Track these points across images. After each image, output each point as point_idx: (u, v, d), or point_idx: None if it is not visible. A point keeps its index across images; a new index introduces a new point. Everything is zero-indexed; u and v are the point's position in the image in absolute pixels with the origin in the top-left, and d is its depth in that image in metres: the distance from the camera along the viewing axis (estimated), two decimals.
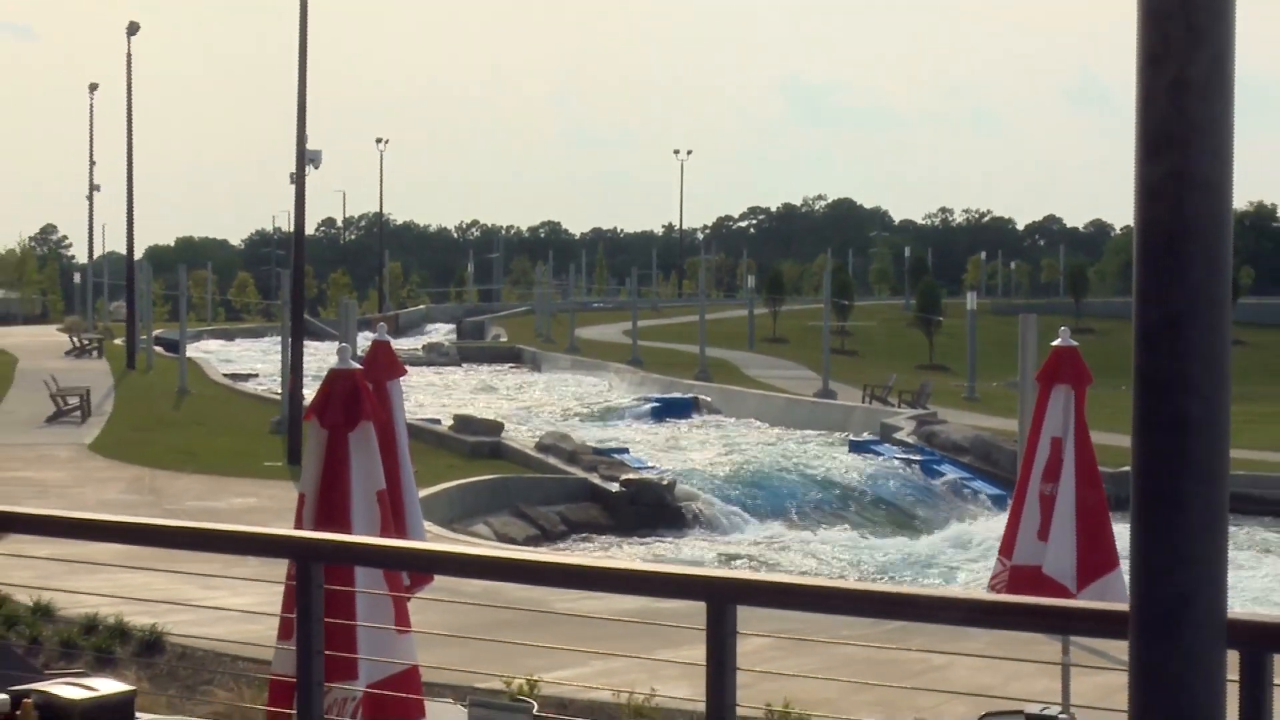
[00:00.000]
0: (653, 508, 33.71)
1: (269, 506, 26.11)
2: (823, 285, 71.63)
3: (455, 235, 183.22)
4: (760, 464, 39.82)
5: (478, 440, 37.19)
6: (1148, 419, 3.94)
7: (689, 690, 11.78)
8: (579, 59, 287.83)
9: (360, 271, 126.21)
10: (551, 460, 36.09)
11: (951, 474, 39.75)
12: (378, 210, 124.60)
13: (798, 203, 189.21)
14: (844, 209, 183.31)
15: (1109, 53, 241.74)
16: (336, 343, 12.55)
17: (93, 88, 71.57)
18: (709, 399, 54.35)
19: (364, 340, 20.09)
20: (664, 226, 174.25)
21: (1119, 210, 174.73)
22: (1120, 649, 4.21)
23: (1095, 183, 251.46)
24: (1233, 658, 4.40)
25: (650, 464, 37.96)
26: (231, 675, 14.83)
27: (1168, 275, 3.89)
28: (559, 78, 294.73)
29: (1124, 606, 4.23)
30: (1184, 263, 3.86)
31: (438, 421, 40.60)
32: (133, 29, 60.22)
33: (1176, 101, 3.86)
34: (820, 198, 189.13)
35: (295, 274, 38.03)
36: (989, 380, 56.98)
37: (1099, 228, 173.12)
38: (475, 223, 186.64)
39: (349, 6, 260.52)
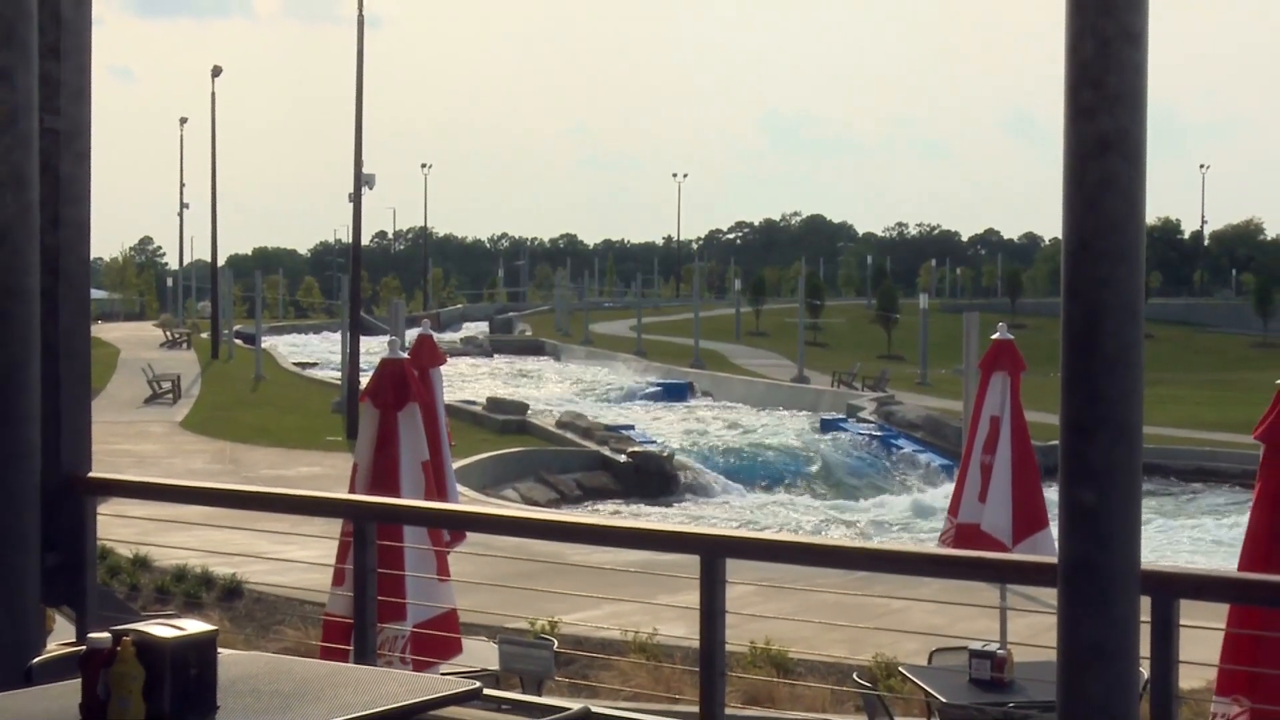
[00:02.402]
0: (654, 475, 33.70)
1: (331, 474, 26.10)
2: (798, 288, 71.44)
3: (488, 245, 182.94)
4: (745, 438, 39.80)
5: (506, 418, 37.16)
6: (1074, 399, 3.92)
7: (685, 630, 11.79)
8: (593, 97, 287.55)
9: (408, 276, 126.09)
10: (569, 435, 36.07)
11: (907, 447, 39.74)
12: (423, 224, 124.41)
13: (777, 218, 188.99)
14: (816, 223, 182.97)
15: (1038, 91, 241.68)
16: (387, 336, 12.52)
17: (182, 121, 71.43)
18: (702, 384, 54.31)
19: (410, 334, 20.04)
20: (664, 238, 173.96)
21: (1048, 224, 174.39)
22: (1050, 595, 4.20)
23: (1028, 200, 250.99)
24: (1145, 603, 4.39)
25: (652, 438, 37.94)
26: (299, 617, 14.82)
27: (1090, 278, 3.87)
28: (576, 112, 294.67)
29: (1053, 559, 4.22)
30: (1104, 268, 3.85)
31: (473, 403, 40.58)
32: (216, 71, 60.15)
33: (1096, 138, 3.84)
34: (796, 213, 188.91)
35: (353, 278, 38.04)
36: (938, 368, 56.90)
37: (1031, 239, 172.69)
38: (505, 235, 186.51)
39: (400, 53, 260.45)
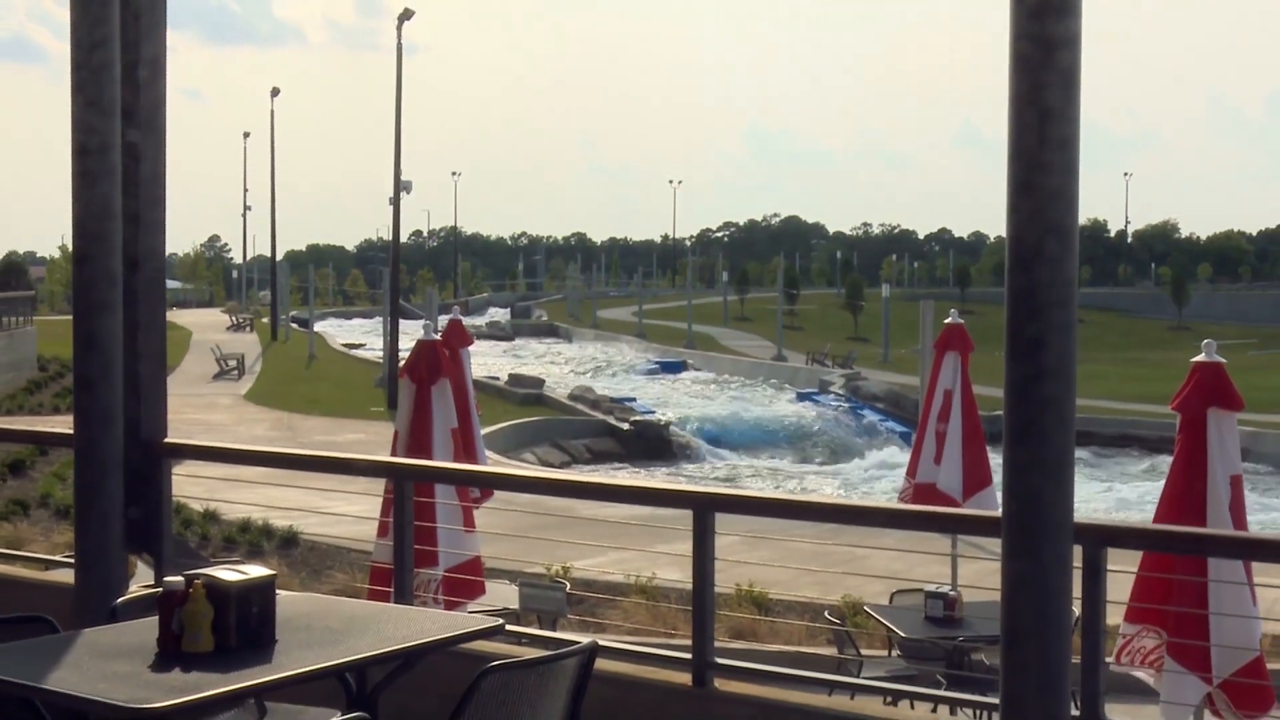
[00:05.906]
0: (653, 441, 33.70)
1: (374, 440, 26.09)
2: (777, 279, 71.32)
3: (509, 243, 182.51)
4: (730, 408, 39.77)
5: (525, 391, 37.14)
6: (1016, 375, 3.92)
7: (679, 574, 11.79)
8: (600, 113, 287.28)
9: (440, 269, 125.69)
10: (580, 406, 36.06)
11: (871, 416, 39.74)
12: (453, 224, 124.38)
13: (759, 218, 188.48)
14: (792, 223, 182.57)
15: (984, 108, 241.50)
16: (422, 321, 12.49)
17: (245, 135, 71.28)
18: (694, 361, 54.27)
19: (442, 319, 20.04)
20: (662, 236, 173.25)
21: (994, 223, 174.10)
22: (994, 544, 4.20)
23: (975, 203, 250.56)
24: (1077, 551, 4.39)
25: (651, 409, 37.92)
26: (347, 563, 14.83)
27: (1031, 271, 3.87)
28: (586, 127, 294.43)
29: (997, 513, 4.22)
30: (1043, 261, 3.84)
31: (497, 378, 40.56)
32: (275, 92, 60.00)
33: (1037, 147, 3.83)
34: (775, 215, 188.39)
35: (392, 271, 38.03)
36: (898, 348, 56.86)
37: (979, 236, 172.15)
38: (524, 233, 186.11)
39: (435, 76, 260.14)
